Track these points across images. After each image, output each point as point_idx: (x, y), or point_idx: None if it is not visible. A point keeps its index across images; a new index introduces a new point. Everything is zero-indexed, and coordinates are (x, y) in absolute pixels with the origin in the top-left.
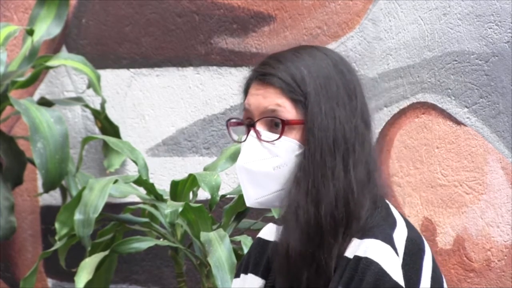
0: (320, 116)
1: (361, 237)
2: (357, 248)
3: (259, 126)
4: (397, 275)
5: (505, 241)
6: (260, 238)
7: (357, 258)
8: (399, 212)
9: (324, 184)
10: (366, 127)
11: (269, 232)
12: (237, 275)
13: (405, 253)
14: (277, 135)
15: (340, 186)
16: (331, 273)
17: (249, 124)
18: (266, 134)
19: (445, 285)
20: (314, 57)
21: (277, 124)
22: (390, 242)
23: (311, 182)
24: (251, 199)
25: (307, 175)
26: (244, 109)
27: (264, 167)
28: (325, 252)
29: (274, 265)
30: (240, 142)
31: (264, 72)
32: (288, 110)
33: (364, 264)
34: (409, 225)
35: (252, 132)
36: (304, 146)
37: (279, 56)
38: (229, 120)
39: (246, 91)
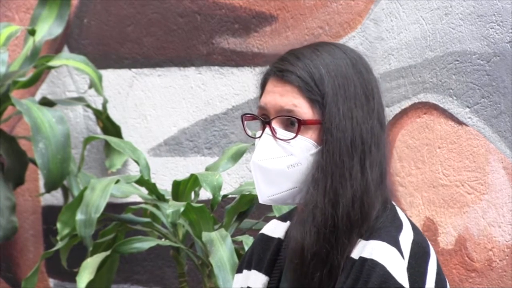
0: (338, 116)
1: (367, 238)
2: (363, 249)
3: (275, 124)
4: (402, 278)
5: (506, 241)
6: (263, 234)
7: (363, 260)
8: (406, 215)
9: (342, 184)
10: (381, 128)
11: (273, 229)
12: (239, 271)
13: (410, 256)
14: (293, 134)
15: (357, 187)
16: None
17: (264, 121)
18: (281, 133)
19: None
20: (333, 55)
21: (293, 123)
22: (396, 244)
23: (329, 183)
24: (264, 196)
25: (326, 175)
26: (259, 106)
27: (278, 165)
28: (338, 253)
29: (289, 265)
30: (255, 138)
31: (282, 68)
32: (304, 111)
33: (369, 266)
34: (415, 228)
35: (267, 130)
36: (320, 146)
37: (297, 53)
38: (244, 114)
39: (263, 86)
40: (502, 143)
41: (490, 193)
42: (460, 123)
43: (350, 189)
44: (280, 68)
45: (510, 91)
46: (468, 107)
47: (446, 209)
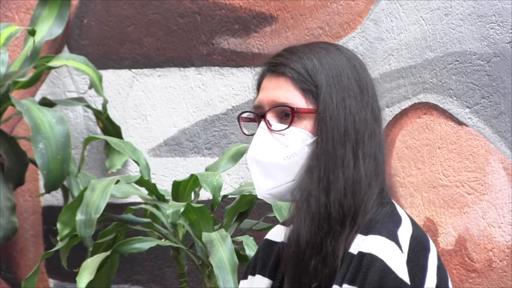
0: (332, 106)
1: (365, 233)
2: (361, 244)
3: (270, 117)
4: (402, 272)
5: (506, 242)
6: (267, 239)
7: (361, 254)
8: (406, 212)
9: (335, 172)
10: (375, 122)
11: (277, 233)
12: (244, 277)
13: (409, 250)
14: (287, 125)
15: (349, 176)
16: (337, 264)
17: (260, 115)
18: (276, 125)
19: (450, 284)
20: (327, 50)
21: (288, 115)
22: (395, 239)
23: (322, 171)
24: (263, 191)
25: (319, 163)
26: (254, 106)
27: (274, 158)
28: (332, 240)
29: (284, 257)
30: (252, 135)
31: (276, 62)
32: (298, 101)
33: (368, 260)
34: (414, 223)
35: (262, 124)
36: (315, 136)
37: (292, 48)
38: (241, 113)
39: (258, 87)
40: (502, 144)
41: (490, 194)
42: (460, 123)
43: (342, 177)
44: (274, 63)
45: (510, 91)
46: (468, 107)
47: (446, 209)
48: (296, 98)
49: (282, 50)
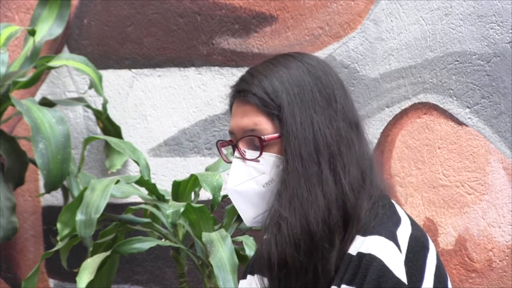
0: (295, 125)
1: (364, 234)
2: (361, 245)
3: (243, 146)
4: (400, 272)
5: (506, 242)
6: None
7: (360, 255)
8: (405, 212)
9: (311, 191)
10: (351, 129)
11: None
12: (244, 277)
13: (408, 250)
14: (259, 153)
15: (330, 191)
16: (332, 274)
17: (233, 144)
18: (250, 153)
19: (449, 283)
20: (288, 66)
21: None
22: (393, 238)
23: (290, 192)
24: (249, 220)
25: (287, 185)
26: (229, 132)
27: (253, 186)
28: (320, 259)
29: (259, 273)
30: (229, 162)
31: (239, 89)
32: (265, 127)
33: (367, 260)
34: (414, 223)
35: (236, 153)
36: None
37: (253, 71)
38: (218, 141)
39: (231, 110)
40: (502, 144)
41: (490, 194)
42: (460, 123)
43: (321, 194)
44: (238, 89)
45: (510, 91)
46: (468, 107)
47: (446, 209)
48: (263, 124)
49: (245, 73)
